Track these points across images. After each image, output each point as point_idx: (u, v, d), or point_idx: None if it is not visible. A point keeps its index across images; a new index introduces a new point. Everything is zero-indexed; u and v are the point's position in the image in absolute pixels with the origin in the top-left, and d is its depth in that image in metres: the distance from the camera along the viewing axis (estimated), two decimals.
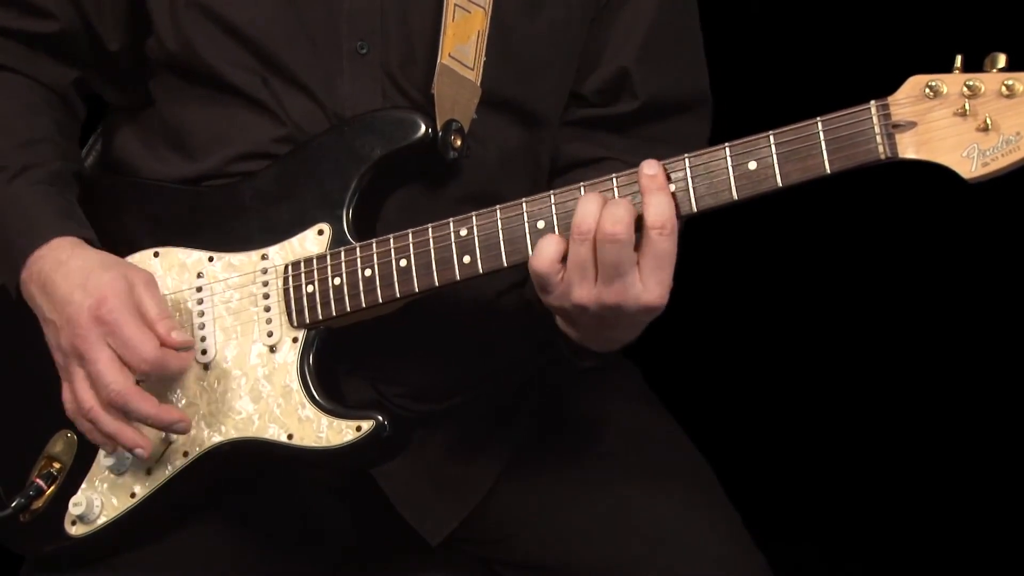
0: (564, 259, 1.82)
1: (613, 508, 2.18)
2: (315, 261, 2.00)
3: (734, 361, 3.52)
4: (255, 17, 2.05)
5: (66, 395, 2.01)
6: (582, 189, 1.85)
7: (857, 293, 3.45)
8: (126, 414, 1.96)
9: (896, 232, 3.33)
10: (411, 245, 1.94)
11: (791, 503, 3.42)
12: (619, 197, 1.82)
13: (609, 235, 1.76)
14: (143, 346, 1.95)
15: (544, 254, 1.82)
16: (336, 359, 2.03)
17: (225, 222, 2.06)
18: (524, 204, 1.88)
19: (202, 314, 2.05)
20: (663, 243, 1.78)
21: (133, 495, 2.05)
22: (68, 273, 1.98)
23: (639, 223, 1.78)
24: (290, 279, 2.01)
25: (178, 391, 2.04)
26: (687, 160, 1.81)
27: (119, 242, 2.10)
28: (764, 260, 3.40)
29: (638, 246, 1.78)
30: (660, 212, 1.77)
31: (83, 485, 2.07)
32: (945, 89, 1.69)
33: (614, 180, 1.84)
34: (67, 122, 2.19)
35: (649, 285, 1.79)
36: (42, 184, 2.07)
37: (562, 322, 1.93)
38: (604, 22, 2.16)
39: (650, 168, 1.80)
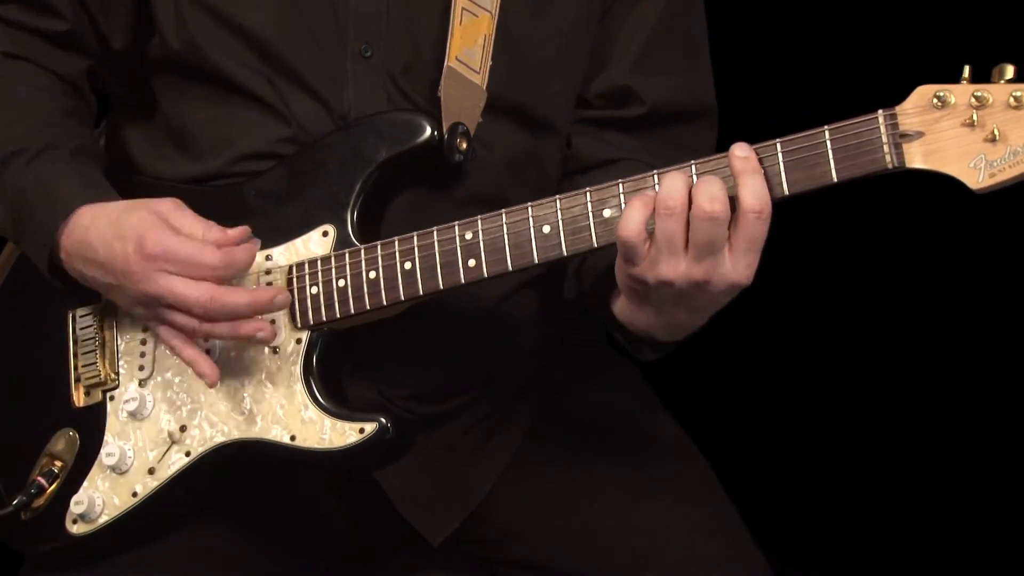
0: (650, 230, 1.79)
1: (613, 508, 2.19)
2: (319, 263, 2.00)
3: (734, 360, 3.51)
4: (261, 17, 2.05)
5: (165, 332, 1.99)
6: (588, 194, 1.85)
7: (859, 299, 3.45)
8: (227, 315, 1.94)
9: (902, 241, 3.33)
10: (416, 248, 1.94)
11: (791, 501, 3.42)
12: (625, 204, 1.82)
13: (707, 213, 1.73)
14: (204, 254, 1.93)
15: (632, 222, 1.78)
16: (339, 361, 2.03)
17: (229, 222, 2.03)
18: (530, 208, 1.88)
19: None
20: (760, 227, 1.75)
21: (135, 494, 2.05)
22: (98, 232, 1.97)
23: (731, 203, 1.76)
24: (294, 280, 2.01)
25: (181, 392, 2.04)
26: (693, 167, 1.80)
27: None
28: (767, 262, 3.40)
29: (730, 225, 1.76)
30: (758, 195, 1.74)
31: (84, 484, 2.07)
32: (953, 99, 1.69)
33: (620, 186, 1.84)
34: (82, 110, 2.19)
35: (739, 267, 1.77)
36: (63, 162, 2.06)
37: (629, 306, 1.89)
38: (608, 29, 2.15)
39: (741, 150, 1.77)
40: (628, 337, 1.97)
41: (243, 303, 1.94)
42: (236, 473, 2.06)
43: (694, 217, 1.75)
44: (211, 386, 1.99)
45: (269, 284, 2.02)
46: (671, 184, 1.77)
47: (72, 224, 1.99)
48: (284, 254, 2.03)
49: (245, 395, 2.01)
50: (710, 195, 1.74)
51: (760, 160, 1.77)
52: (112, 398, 2.08)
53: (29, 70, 2.15)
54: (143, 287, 1.94)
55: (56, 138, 2.08)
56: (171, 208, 1.98)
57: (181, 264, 1.92)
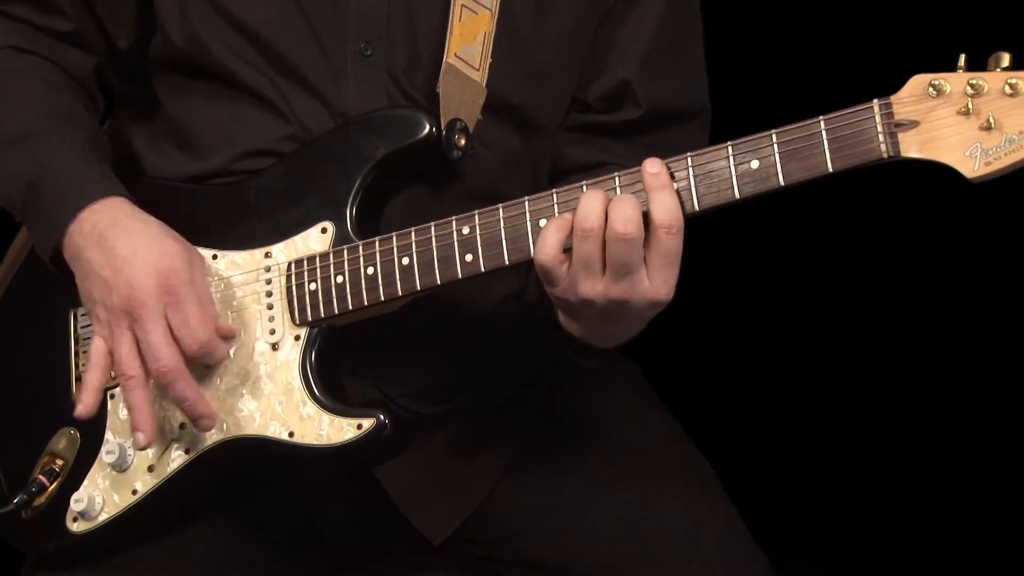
0: (567, 250, 1.82)
1: (613, 507, 2.18)
2: (318, 259, 2.00)
3: (734, 359, 3.52)
4: (263, 15, 2.06)
5: (98, 346, 1.98)
6: (584, 187, 1.85)
7: (858, 292, 3.45)
8: (166, 390, 1.95)
9: (898, 231, 3.34)
10: (414, 243, 1.94)
11: (792, 501, 3.42)
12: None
13: (621, 235, 1.76)
14: (201, 327, 1.95)
15: (547, 245, 1.82)
16: (338, 358, 2.04)
17: (229, 220, 2.06)
18: (527, 203, 1.89)
19: None
20: (671, 242, 1.78)
21: (135, 492, 2.05)
22: (128, 232, 1.97)
23: (645, 220, 1.78)
24: (293, 277, 2.01)
25: None
26: (689, 159, 1.81)
27: None
28: (765, 258, 3.41)
29: (645, 243, 1.78)
30: (667, 211, 1.77)
31: (85, 482, 2.07)
32: (948, 88, 1.69)
33: (616, 179, 1.84)
34: (90, 106, 2.19)
35: (656, 283, 1.79)
36: (81, 148, 2.06)
37: (564, 318, 1.92)
38: (608, 30, 2.16)
39: (653, 166, 1.80)
40: (573, 344, 1.97)
41: (187, 396, 1.95)
42: (235, 470, 2.06)
43: (609, 238, 1.77)
44: (80, 417, 1.99)
45: (268, 282, 2.03)
46: (587, 204, 1.79)
47: (101, 208, 1.99)
48: (283, 251, 2.03)
49: (244, 392, 2.01)
50: (623, 216, 1.76)
51: (672, 175, 1.79)
52: (112, 396, 2.08)
53: (39, 64, 2.16)
54: (135, 305, 1.94)
55: (66, 126, 2.09)
56: (199, 260, 2.01)
57: (180, 317, 1.94)
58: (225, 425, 2.02)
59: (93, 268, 1.98)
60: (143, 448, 2.00)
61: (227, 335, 2.00)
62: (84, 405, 1.98)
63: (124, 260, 1.95)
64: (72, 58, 2.18)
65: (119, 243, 1.96)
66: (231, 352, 2.02)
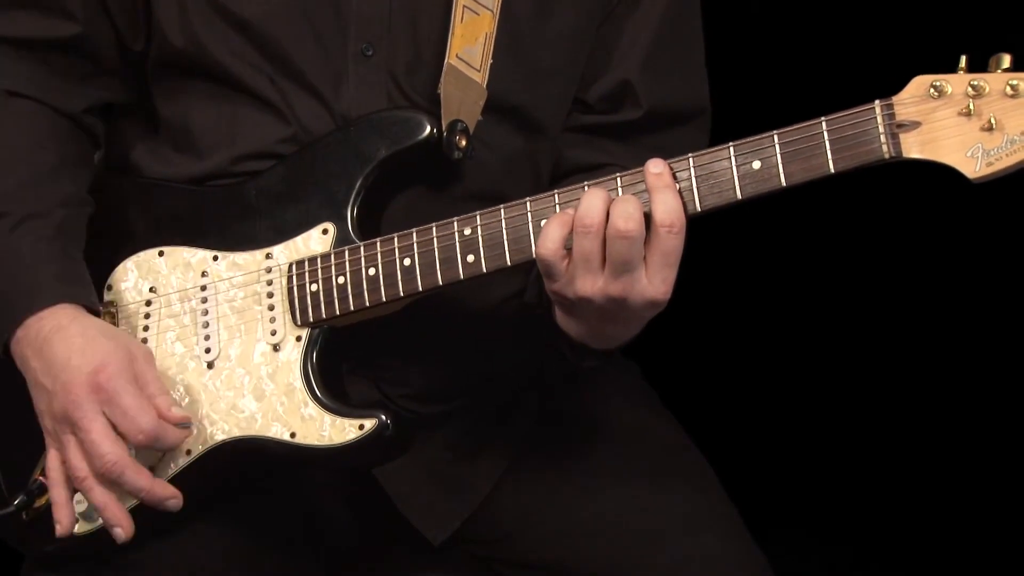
0: (568, 248, 1.82)
1: (613, 507, 2.19)
2: (319, 260, 2.00)
3: (734, 359, 3.52)
4: (264, 14, 2.06)
5: (52, 462, 1.99)
6: (586, 187, 1.86)
7: (858, 292, 3.46)
8: (119, 485, 1.94)
9: (899, 231, 3.34)
10: (415, 244, 1.95)
11: (791, 501, 3.43)
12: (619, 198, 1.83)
13: (622, 232, 1.77)
14: (141, 416, 1.93)
15: (548, 240, 1.82)
16: (340, 358, 2.04)
17: (230, 221, 2.06)
18: (528, 203, 1.89)
19: (206, 312, 2.06)
20: (672, 241, 1.78)
21: None
22: (67, 337, 1.96)
23: (646, 221, 1.79)
24: (294, 278, 2.02)
25: (182, 389, 2.04)
26: (691, 159, 1.82)
27: (124, 241, 2.11)
28: (765, 258, 3.41)
29: (645, 242, 1.79)
30: (669, 210, 1.78)
31: None
32: (949, 89, 1.70)
33: (618, 179, 1.85)
34: (80, 150, 2.16)
35: (655, 282, 1.80)
36: (45, 241, 2.03)
37: (562, 317, 1.92)
38: (609, 31, 2.17)
39: (656, 166, 1.81)
40: (571, 344, 1.97)
41: (140, 487, 1.94)
42: (237, 471, 2.06)
43: (609, 235, 1.78)
44: (64, 536, 1.99)
45: (269, 283, 2.03)
46: (589, 202, 1.80)
47: (47, 315, 1.98)
48: (284, 252, 2.04)
49: (245, 393, 2.02)
50: (624, 214, 1.77)
51: (674, 175, 1.80)
52: None
53: (29, 110, 2.12)
54: (70, 408, 1.93)
55: (41, 204, 2.05)
56: (143, 354, 1.99)
57: (117, 411, 1.93)
58: (226, 426, 2.02)
59: (37, 377, 1.98)
60: (124, 542, 1.98)
61: (180, 422, 1.98)
62: (62, 526, 1.99)
63: (60, 367, 1.95)
64: (66, 92, 2.13)
65: (57, 349, 1.96)
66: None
